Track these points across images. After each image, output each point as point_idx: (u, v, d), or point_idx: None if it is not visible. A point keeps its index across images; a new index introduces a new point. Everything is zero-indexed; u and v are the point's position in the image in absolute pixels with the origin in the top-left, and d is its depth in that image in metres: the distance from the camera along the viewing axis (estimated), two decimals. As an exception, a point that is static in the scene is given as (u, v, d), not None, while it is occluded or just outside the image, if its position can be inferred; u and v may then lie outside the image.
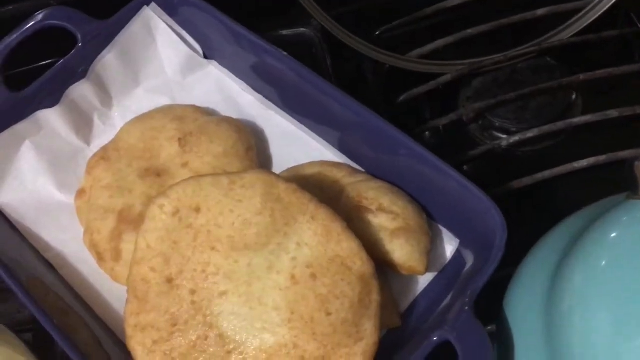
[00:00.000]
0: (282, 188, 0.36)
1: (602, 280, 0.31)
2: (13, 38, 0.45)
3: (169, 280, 0.36)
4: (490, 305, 0.37)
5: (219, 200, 0.36)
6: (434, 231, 0.41)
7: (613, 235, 0.31)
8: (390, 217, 0.39)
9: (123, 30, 0.48)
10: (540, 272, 0.35)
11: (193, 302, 0.36)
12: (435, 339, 0.33)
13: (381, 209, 0.39)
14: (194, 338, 0.36)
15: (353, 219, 0.38)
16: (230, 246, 0.36)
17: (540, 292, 0.34)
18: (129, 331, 0.37)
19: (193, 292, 0.36)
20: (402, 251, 0.38)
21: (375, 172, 0.43)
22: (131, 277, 0.37)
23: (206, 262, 0.36)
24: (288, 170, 0.44)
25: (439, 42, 0.51)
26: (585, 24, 0.49)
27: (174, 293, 0.36)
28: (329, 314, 0.35)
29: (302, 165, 0.43)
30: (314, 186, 0.40)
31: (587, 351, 0.30)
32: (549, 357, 0.32)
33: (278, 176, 0.37)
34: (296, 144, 0.46)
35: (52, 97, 0.46)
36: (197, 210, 0.37)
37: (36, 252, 0.44)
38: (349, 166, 0.44)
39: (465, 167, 0.48)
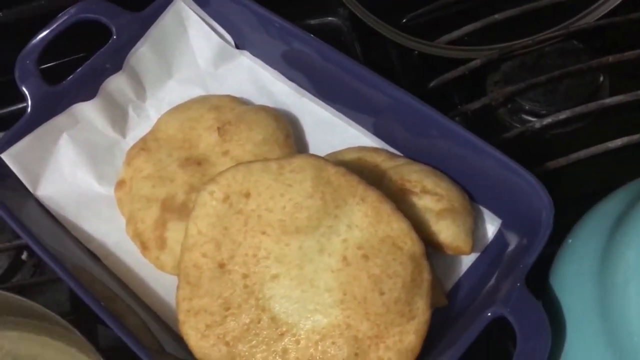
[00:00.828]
0: (332, 171, 0.37)
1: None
2: (48, 32, 0.46)
3: (221, 265, 0.37)
4: (534, 282, 0.38)
5: (269, 184, 0.37)
6: (476, 212, 0.41)
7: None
8: (434, 198, 0.39)
9: (156, 22, 0.48)
10: (588, 248, 0.36)
11: (245, 286, 0.37)
12: (489, 314, 0.34)
13: (425, 191, 0.39)
14: (247, 321, 0.36)
15: (397, 201, 0.39)
16: (282, 230, 0.36)
17: (589, 267, 0.35)
18: (182, 316, 0.37)
19: (245, 276, 0.37)
20: (448, 231, 0.39)
21: (413, 155, 0.44)
22: (183, 263, 0.38)
23: (257, 246, 0.37)
24: (326, 156, 0.44)
25: (467, 28, 0.52)
26: (612, 6, 0.50)
27: (226, 277, 0.37)
28: (382, 293, 0.35)
29: (341, 151, 0.44)
30: (355, 171, 0.41)
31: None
32: (604, 329, 0.32)
33: (326, 160, 0.38)
34: (332, 131, 0.46)
35: (87, 90, 0.46)
36: (247, 195, 0.37)
37: (79, 243, 0.44)
38: (387, 151, 0.44)
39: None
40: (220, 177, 0.38)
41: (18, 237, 0.49)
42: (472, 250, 0.40)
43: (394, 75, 0.53)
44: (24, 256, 0.51)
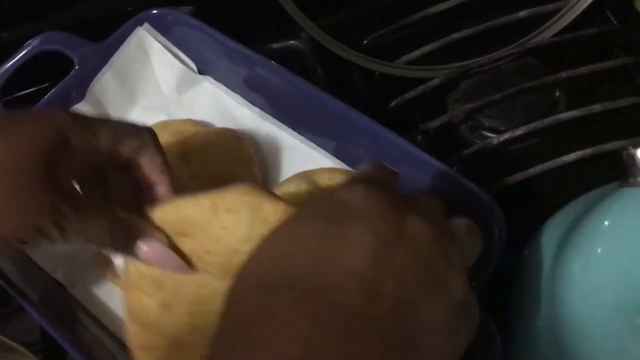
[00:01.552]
0: (269, 210, 0.33)
1: (599, 267, 0.32)
2: (10, 65, 0.46)
3: (165, 305, 0.36)
4: (497, 294, 0.39)
5: (204, 226, 0.34)
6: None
7: (607, 223, 0.33)
8: None
9: (118, 52, 0.49)
10: (540, 261, 0.37)
11: (192, 325, 0.36)
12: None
13: None
14: (198, 358, 0.36)
15: None
16: (223, 270, 0.35)
17: (541, 279, 0.36)
18: (136, 352, 0.37)
19: (191, 314, 0.36)
20: None
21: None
22: (128, 302, 0.37)
23: (201, 284, 0.35)
24: (298, 174, 0.44)
25: (426, 48, 0.53)
26: (564, 24, 0.51)
27: (172, 316, 0.36)
28: None
29: (313, 171, 0.44)
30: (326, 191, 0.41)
31: (588, 330, 0.31)
32: (552, 343, 0.33)
33: (265, 194, 0.34)
34: (294, 154, 0.47)
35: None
36: (185, 234, 0.35)
37: (45, 273, 0.44)
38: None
39: (456, 167, 0.49)
40: (154, 215, 0.35)
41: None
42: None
43: (356, 96, 0.54)
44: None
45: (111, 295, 0.43)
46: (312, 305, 0.24)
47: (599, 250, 0.33)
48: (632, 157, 0.32)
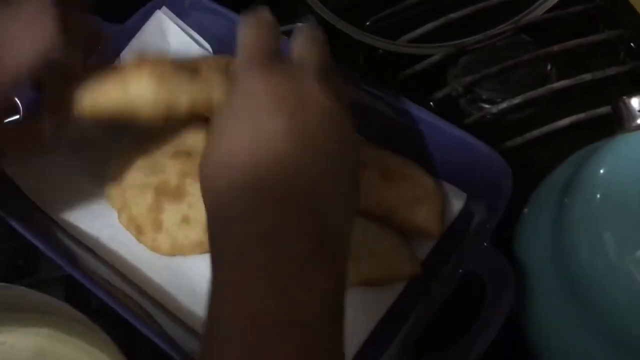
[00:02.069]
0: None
1: (601, 209, 0.35)
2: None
3: None
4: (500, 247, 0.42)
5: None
6: (442, 187, 0.46)
7: (603, 170, 0.36)
8: (411, 186, 0.43)
9: (137, 34, 0.51)
10: (541, 213, 0.40)
11: None
12: (460, 270, 0.38)
13: (404, 179, 0.43)
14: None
15: (379, 187, 0.43)
16: None
17: (545, 226, 0.39)
18: None
19: None
20: (421, 217, 0.43)
21: (382, 140, 0.48)
22: None
23: None
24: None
25: (426, 27, 0.56)
26: (554, 2, 0.55)
27: None
28: None
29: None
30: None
31: (594, 269, 0.34)
32: (560, 277, 0.37)
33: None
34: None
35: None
36: None
37: (74, 239, 0.47)
38: (370, 141, 0.48)
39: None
40: None
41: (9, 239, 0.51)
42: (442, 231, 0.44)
43: (361, 73, 0.57)
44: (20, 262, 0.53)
45: (137, 257, 0.45)
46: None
47: (598, 196, 0.36)
48: (627, 104, 0.36)
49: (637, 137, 0.36)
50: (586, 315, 0.35)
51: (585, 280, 0.34)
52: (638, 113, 0.36)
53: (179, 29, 0.52)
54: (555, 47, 0.53)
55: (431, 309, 0.38)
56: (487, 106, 0.54)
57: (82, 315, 0.40)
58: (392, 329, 0.41)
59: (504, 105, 0.52)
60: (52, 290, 0.49)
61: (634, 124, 0.36)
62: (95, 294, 0.41)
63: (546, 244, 0.38)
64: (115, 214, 0.46)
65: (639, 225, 0.32)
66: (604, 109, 0.49)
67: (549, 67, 0.55)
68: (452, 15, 0.56)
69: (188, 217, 0.45)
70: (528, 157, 0.50)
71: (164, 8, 0.52)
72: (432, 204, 0.43)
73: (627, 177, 0.34)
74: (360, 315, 0.42)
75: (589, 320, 0.35)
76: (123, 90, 0.40)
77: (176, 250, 0.45)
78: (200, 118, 0.47)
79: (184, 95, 0.40)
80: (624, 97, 0.36)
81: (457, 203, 0.45)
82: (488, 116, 0.54)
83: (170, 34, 0.52)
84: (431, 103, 0.55)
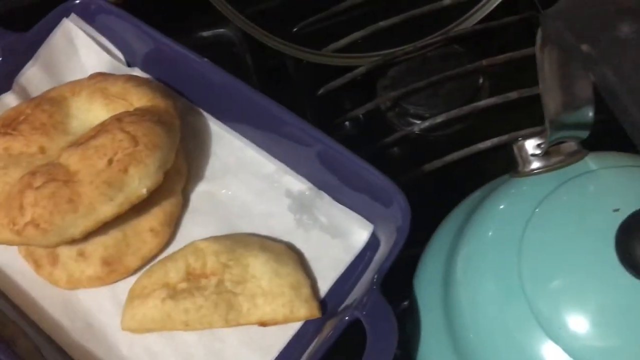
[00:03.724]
0: None
1: (490, 249, 0.33)
2: None
3: None
4: (404, 283, 0.40)
5: None
6: (350, 218, 0.43)
7: (497, 210, 0.34)
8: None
9: (45, 43, 0.49)
10: (441, 248, 0.38)
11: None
12: (347, 318, 0.36)
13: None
14: None
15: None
16: None
17: (440, 266, 0.37)
18: None
19: None
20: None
21: (295, 164, 0.45)
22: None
23: None
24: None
25: (353, 36, 0.53)
26: (487, 11, 0.52)
27: None
28: None
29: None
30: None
31: (475, 318, 0.33)
32: (446, 325, 0.35)
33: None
34: (220, 144, 0.48)
35: (-24, 113, 0.47)
36: None
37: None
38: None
39: (384, 154, 0.51)
40: None
41: None
42: (347, 253, 0.42)
43: (287, 83, 0.55)
44: None
45: (35, 287, 0.44)
46: None
47: (490, 234, 0.34)
48: (521, 147, 0.34)
49: (528, 182, 0.33)
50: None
51: (466, 334, 0.33)
52: (531, 157, 0.33)
53: (88, 37, 0.50)
54: (485, 61, 0.50)
55: (319, 354, 0.36)
56: (414, 121, 0.52)
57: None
58: (281, 371, 0.39)
59: (427, 123, 0.49)
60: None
61: (527, 169, 0.34)
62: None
63: (438, 286, 0.36)
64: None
65: (517, 282, 0.30)
66: (529, 131, 0.47)
67: (480, 81, 0.52)
68: (382, 24, 0.54)
69: (84, 251, 0.43)
70: (446, 182, 0.48)
71: (72, 15, 0.49)
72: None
73: (512, 227, 0.32)
74: (251, 355, 0.40)
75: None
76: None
77: (74, 284, 0.43)
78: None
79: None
80: (520, 139, 0.34)
81: (363, 234, 0.43)
82: (416, 131, 0.51)
83: (79, 43, 0.50)
84: (361, 116, 0.53)
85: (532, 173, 0.33)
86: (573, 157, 0.33)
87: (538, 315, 0.29)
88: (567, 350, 0.28)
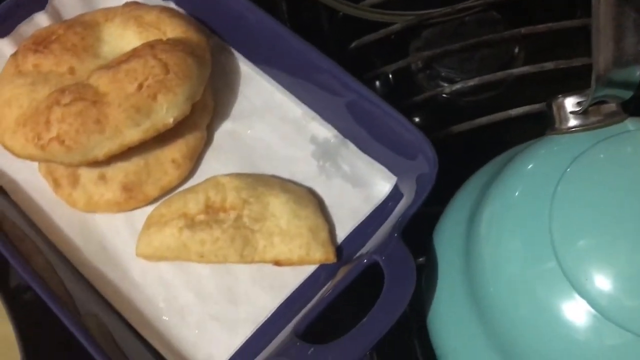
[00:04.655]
0: None
1: (516, 208, 0.33)
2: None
3: None
4: (422, 240, 0.40)
5: None
6: (374, 169, 0.43)
7: (529, 167, 0.33)
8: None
9: None
10: (464, 205, 0.38)
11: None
12: (365, 261, 0.36)
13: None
14: None
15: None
16: None
17: (463, 221, 0.37)
18: None
19: None
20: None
21: (323, 111, 0.45)
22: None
23: None
24: None
25: (391, -8, 0.53)
26: (530, -21, 0.51)
27: None
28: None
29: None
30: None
31: (498, 274, 0.32)
32: (465, 280, 0.34)
33: None
34: (249, 85, 0.47)
35: (4, 28, 0.47)
36: None
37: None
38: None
39: (412, 115, 0.50)
40: None
41: None
42: (367, 203, 0.42)
43: (319, 35, 0.54)
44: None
45: (53, 206, 0.44)
46: None
47: (517, 193, 0.33)
48: (561, 105, 0.33)
49: (565, 140, 0.33)
50: (485, 325, 0.33)
51: (487, 288, 0.32)
52: (571, 115, 0.33)
53: None
54: (523, 30, 0.49)
55: (328, 298, 0.36)
56: (444, 85, 0.51)
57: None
58: (293, 310, 0.39)
59: (458, 85, 0.49)
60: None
61: (564, 126, 0.33)
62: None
63: (460, 243, 0.36)
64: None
65: (545, 238, 0.30)
66: (562, 102, 0.46)
67: (516, 50, 0.51)
68: (421, -17, 0.53)
69: (104, 175, 0.43)
70: (474, 145, 0.47)
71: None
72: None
73: (545, 184, 0.31)
74: (263, 294, 0.40)
75: (487, 331, 0.33)
76: None
77: (91, 207, 0.43)
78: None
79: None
80: (560, 95, 0.33)
81: (385, 186, 0.43)
82: (444, 95, 0.51)
83: None
84: (390, 75, 0.52)
85: (569, 131, 0.33)
86: (612, 119, 0.32)
87: (567, 271, 0.29)
88: (595, 306, 0.28)
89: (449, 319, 0.35)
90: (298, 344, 0.34)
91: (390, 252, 0.35)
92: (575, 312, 0.28)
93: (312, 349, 0.33)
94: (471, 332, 0.34)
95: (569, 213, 0.30)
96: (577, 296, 0.28)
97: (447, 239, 0.38)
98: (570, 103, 0.33)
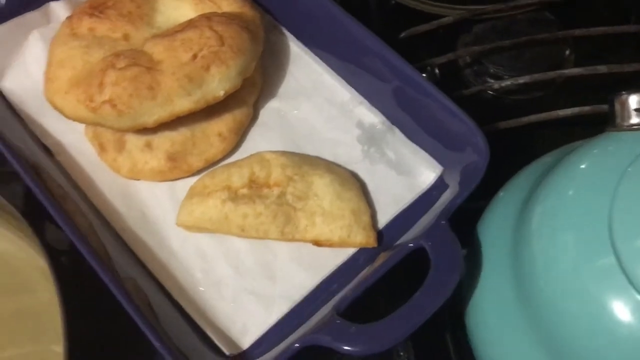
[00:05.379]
0: None
1: (569, 206, 0.32)
2: None
3: None
4: (465, 232, 0.40)
5: None
6: (419, 157, 0.43)
7: (587, 163, 0.33)
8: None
9: None
10: (513, 200, 0.37)
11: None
12: (410, 245, 0.36)
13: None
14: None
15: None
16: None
17: (511, 216, 0.36)
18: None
19: None
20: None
21: (371, 96, 0.45)
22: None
23: None
24: None
25: (446, -15, 0.52)
26: (587, -18, 0.51)
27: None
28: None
29: None
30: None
31: (550, 269, 0.32)
32: (511, 273, 0.34)
33: None
34: (297, 64, 0.47)
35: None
36: None
37: (35, 139, 0.45)
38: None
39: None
40: None
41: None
42: (410, 191, 0.42)
43: (369, 21, 0.54)
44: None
45: (96, 170, 0.44)
46: None
47: (570, 193, 0.33)
48: (624, 101, 0.33)
49: (626, 137, 0.32)
50: (533, 322, 0.32)
51: (537, 283, 0.32)
52: (634, 112, 0.32)
53: None
54: (577, 31, 0.49)
55: (371, 279, 0.36)
56: (491, 81, 0.51)
57: (16, 212, 0.39)
58: (330, 291, 0.39)
59: (507, 82, 0.48)
60: (13, 186, 0.48)
61: (626, 123, 0.33)
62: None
63: (508, 237, 0.35)
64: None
65: (603, 234, 0.29)
66: (612, 106, 0.46)
67: (567, 52, 0.51)
68: (476, -22, 0.52)
69: (151, 142, 0.43)
70: (519, 143, 0.47)
71: None
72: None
73: (605, 180, 0.31)
74: (301, 272, 0.40)
75: (532, 325, 0.33)
76: None
77: (135, 174, 0.43)
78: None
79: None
80: (623, 92, 0.33)
81: (430, 175, 0.43)
82: (489, 92, 0.51)
83: None
84: (436, 69, 0.52)
85: (631, 128, 0.32)
86: (676, 119, 0.32)
87: (626, 267, 0.28)
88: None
89: (491, 312, 0.35)
90: (338, 321, 0.34)
91: (437, 238, 0.35)
92: (632, 309, 0.28)
93: (353, 327, 0.33)
94: (516, 326, 0.33)
95: (630, 210, 0.29)
96: (634, 293, 0.28)
97: (493, 232, 0.37)
98: (634, 100, 0.32)
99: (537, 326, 0.32)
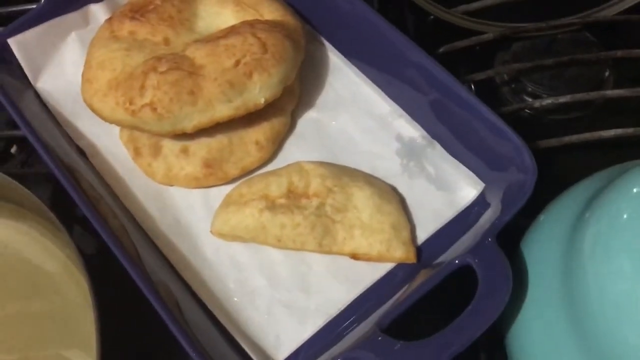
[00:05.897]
0: None
1: (625, 229, 0.32)
2: None
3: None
4: (506, 250, 0.39)
5: None
6: (460, 173, 0.42)
7: (636, 190, 0.32)
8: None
9: None
10: (560, 221, 0.36)
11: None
12: (456, 262, 0.35)
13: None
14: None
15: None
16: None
17: (559, 237, 0.35)
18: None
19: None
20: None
21: (411, 109, 0.44)
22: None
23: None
24: None
25: (485, 1, 0.52)
26: (630, 4, 0.50)
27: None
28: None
29: None
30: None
31: (604, 293, 0.31)
32: (564, 295, 0.33)
33: None
34: (335, 75, 0.47)
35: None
36: None
37: (69, 140, 0.44)
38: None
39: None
40: None
41: (10, 128, 0.50)
42: (450, 209, 0.41)
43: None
44: (13, 150, 0.51)
45: (128, 174, 0.43)
46: None
47: (625, 215, 0.32)
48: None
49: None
50: (584, 347, 0.31)
51: (590, 307, 0.31)
52: (693, 135, 0.32)
53: None
54: (619, 53, 0.48)
55: (415, 295, 0.35)
56: (529, 100, 0.50)
57: (52, 215, 0.39)
58: (367, 307, 0.38)
59: (548, 101, 0.48)
60: (39, 188, 0.48)
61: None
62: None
63: (556, 258, 0.35)
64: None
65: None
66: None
67: (607, 73, 0.50)
68: (517, -5, 0.52)
69: (187, 148, 0.42)
70: (561, 163, 0.46)
71: None
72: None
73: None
74: (337, 286, 0.39)
75: (583, 353, 0.31)
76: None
77: (169, 180, 0.43)
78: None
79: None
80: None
81: (471, 191, 0.42)
82: (527, 110, 0.50)
83: None
84: (472, 85, 0.51)
85: (690, 151, 0.32)
86: None
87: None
88: None
89: (538, 336, 0.34)
90: (381, 338, 0.33)
91: (484, 256, 0.34)
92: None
93: (398, 345, 0.32)
94: (565, 354, 0.32)
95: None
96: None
97: (538, 253, 0.36)
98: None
99: (590, 351, 0.31)
